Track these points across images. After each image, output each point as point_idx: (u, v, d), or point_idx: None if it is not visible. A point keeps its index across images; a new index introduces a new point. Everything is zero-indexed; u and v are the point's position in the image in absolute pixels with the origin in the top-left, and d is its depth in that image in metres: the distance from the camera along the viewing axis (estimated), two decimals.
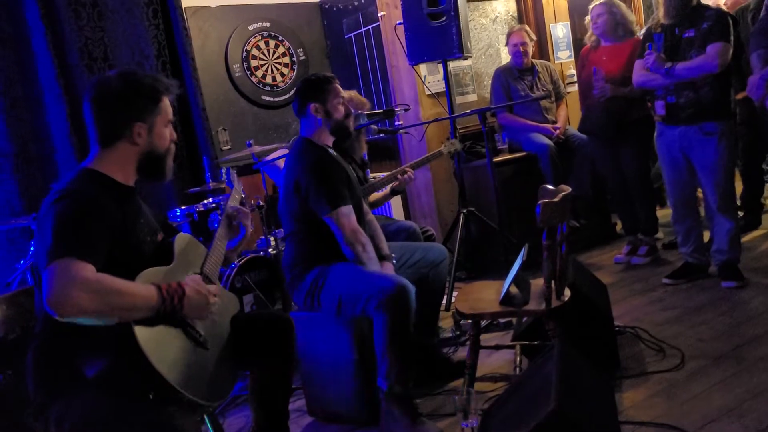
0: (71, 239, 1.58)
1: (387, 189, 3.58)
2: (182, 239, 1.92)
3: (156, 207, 2.04)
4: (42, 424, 1.66)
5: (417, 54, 4.15)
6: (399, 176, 3.45)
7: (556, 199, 2.27)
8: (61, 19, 4.21)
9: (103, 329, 1.58)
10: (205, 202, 3.81)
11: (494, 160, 4.06)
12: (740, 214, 3.97)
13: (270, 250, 3.76)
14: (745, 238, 4.10)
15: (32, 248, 3.46)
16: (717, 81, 3.30)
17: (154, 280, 1.69)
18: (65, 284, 1.51)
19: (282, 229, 3.78)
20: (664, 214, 4.64)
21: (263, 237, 3.91)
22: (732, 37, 3.25)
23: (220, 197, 3.89)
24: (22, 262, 3.44)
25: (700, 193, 3.93)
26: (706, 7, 3.44)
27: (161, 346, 1.64)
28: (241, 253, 2.29)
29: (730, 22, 3.31)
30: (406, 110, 3.64)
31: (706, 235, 3.78)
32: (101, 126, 1.81)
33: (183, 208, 3.74)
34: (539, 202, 2.25)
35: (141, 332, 1.60)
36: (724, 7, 4.58)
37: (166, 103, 1.87)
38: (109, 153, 1.81)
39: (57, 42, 4.15)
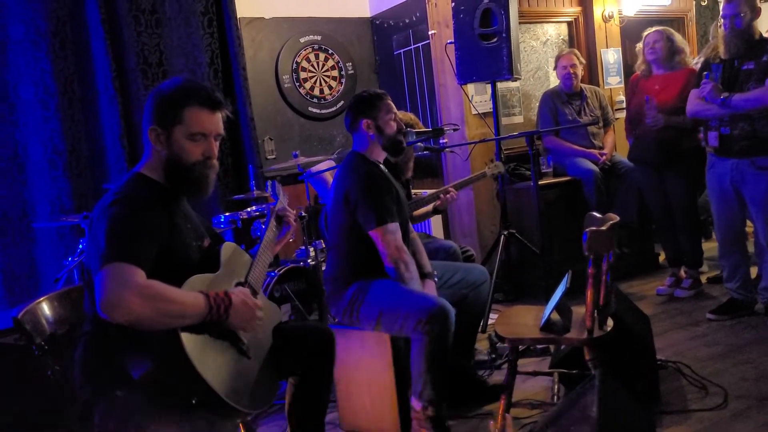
0: (124, 244, 1.62)
1: (429, 207, 3.58)
2: (229, 247, 1.95)
3: (199, 212, 2.05)
4: (87, 421, 1.70)
5: (466, 74, 4.16)
6: (442, 195, 3.44)
7: (604, 228, 2.23)
8: (121, 24, 4.35)
9: (150, 332, 1.61)
10: (249, 209, 3.86)
11: (538, 183, 4.02)
12: None
13: (309, 260, 3.79)
14: None
15: (80, 246, 3.56)
16: None
17: (201, 287, 1.72)
18: (118, 288, 1.55)
19: (321, 241, 3.83)
20: (709, 246, 4.52)
21: (303, 247, 3.94)
22: None
23: (264, 206, 3.95)
24: (70, 259, 3.53)
25: (749, 228, 3.83)
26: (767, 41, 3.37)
27: (206, 353, 1.66)
28: (277, 254, 2.31)
29: None
30: (455, 130, 3.64)
31: (754, 271, 3.68)
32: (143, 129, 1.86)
33: (227, 214, 3.80)
34: (586, 229, 2.21)
35: (187, 338, 1.62)
36: None
37: (193, 115, 1.81)
38: (150, 156, 1.86)
39: (115, 46, 4.29)
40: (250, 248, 3.60)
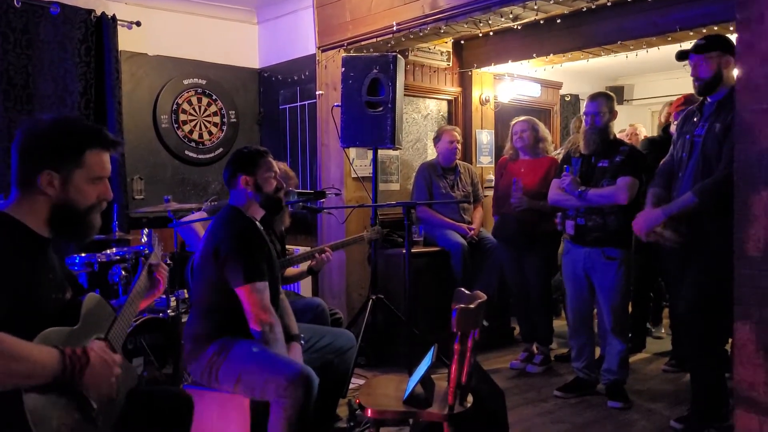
0: None
1: (303, 267, 3.53)
2: (91, 299, 1.79)
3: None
4: None
5: (350, 138, 4.23)
6: (317, 255, 3.41)
7: (472, 306, 2.31)
8: None
9: None
10: (108, 252, 3.62)
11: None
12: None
13: (169, 311, 3.59)
14: (631, 360, 4.30)
15: None
16: (622, 211, 3.54)
17: (56, 342, 1.56)
18: None
19: (184, 291, 3.66)
20: (559, 324, 4.83)
21: (164, 296, 3.73)
22: (642, 173, 3.53)
23: (126, 249, 3.72)
24: None
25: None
26: (621, 143, 3.75)
27: (47, 419, 1.49)
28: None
29: (641, 159, 3.61)
30: (336, 194, 3.66)
31: (597, 351, 3.95)
32: (19, 169, 1.70)
33: (83, 255, 3.53)
34: (455, 306, 2.27)
35: (30, 399, 1.45)
36: (626, 138, 5.07)
37: (95, 159, 1.73)
38: (25, 198, 1.70)
39: None
40: (105, 295, 3.36)
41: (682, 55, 3.20)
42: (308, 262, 3.51)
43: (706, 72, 3.05)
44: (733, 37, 2.55)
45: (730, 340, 3.26)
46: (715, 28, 4.06)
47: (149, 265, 2.03)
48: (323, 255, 3.44)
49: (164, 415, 1.91)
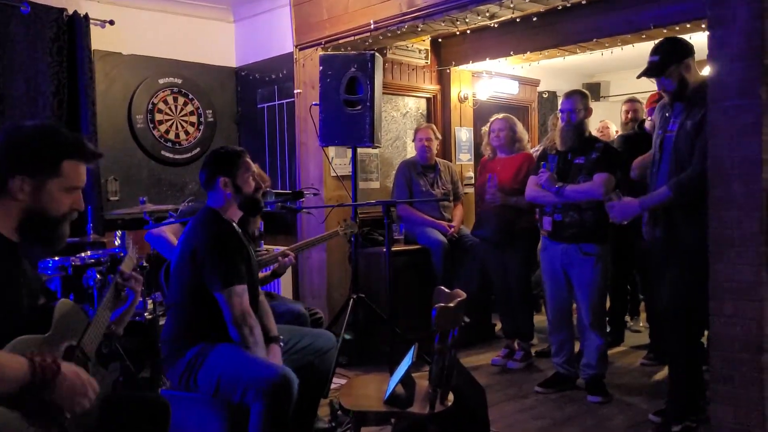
0: None
1: (268, 272, 3.48)
2: (63, 305, 1.75)
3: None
4: None
5: (329, 137, 4.21)
6: (280, 258, 3.37)
7: (451, 304, 2.31)
8: None
9: None
10: (83, 255, 3.56)
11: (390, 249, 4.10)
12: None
13: (146, 314, 3.54)
14: (610, 353, 4.34)
15: None
16: (599, 207, 3.55)
17: (28, 350, 1.52)
18: None
19: (160, 293, 3.61)
20: (540, 320, 4.85)
21: (140, 299, 3.68)
22: (617, 169, 3.56)
23: (101, 252, 3.66)
24: None
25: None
26: (596, 140, 3.78)
27: (14, 428, 1.46)
28: (126, 324, 2.10)
29: (616, 155, 3.64)
30: (314, 194, 3.63)
31: (577, 346, 3.98)
32: None
33: (56, 259, 3.47)
34: (435, 305, 2.28)
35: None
36: (598, 134, 5.11)
37: (72, 169, 1.73)
38: None
39: None
40: (80, 298, 3.30)
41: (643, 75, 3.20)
42: (273, 265, 3.46)
43: (671, 85, 3.07)
44: (705, 35, 2.58)
45: (706, 333, 3.31)
46: (688, 26, 4.11)
47: (116, 282, 1.97)
48: (286, 259, 3.38)
49: (140, 422, 1.89)
